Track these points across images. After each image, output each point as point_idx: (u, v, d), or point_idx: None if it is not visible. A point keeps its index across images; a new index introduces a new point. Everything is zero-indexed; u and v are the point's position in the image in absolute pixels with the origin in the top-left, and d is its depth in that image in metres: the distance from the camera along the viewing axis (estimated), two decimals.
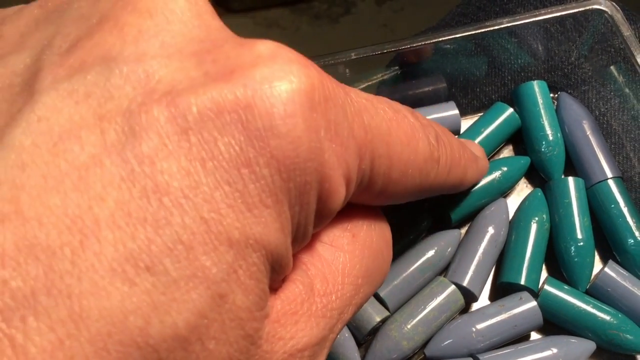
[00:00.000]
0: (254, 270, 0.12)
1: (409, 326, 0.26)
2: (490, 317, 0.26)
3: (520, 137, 0.32)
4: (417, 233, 0.29)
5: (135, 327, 0.11)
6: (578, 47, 0.32)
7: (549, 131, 0.30)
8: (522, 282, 0.27)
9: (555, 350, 0.26)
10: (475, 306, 0.28)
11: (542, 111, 0.30)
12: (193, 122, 0.12)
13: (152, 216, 0.11)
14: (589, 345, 0.26)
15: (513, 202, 0.30)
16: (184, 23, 0.13)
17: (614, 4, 0.30)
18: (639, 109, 0.30)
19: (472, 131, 0.31)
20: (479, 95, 0.33)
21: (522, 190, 0.31)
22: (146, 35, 0.13)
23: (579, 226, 0.28)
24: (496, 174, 0.29)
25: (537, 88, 0.31)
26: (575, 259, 0.27)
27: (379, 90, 0.33)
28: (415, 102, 0.32)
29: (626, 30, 0.30)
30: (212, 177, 0.12)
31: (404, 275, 0.27)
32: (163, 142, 0.12)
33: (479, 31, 0.30)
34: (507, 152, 0.32)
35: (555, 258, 0.28)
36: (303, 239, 0.14)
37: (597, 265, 0.29)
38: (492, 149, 0.31)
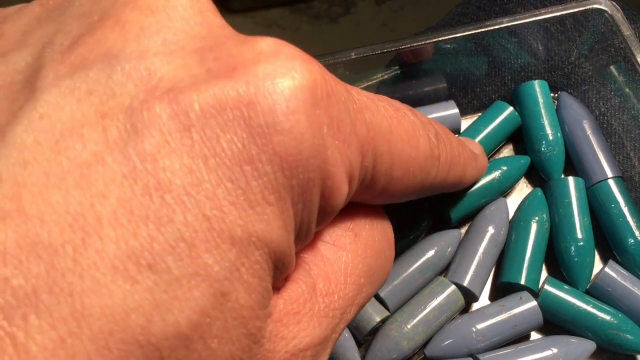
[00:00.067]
0: (256, 268, 0.12)
1: (409, 326, 0.26)
2: (490, 317, 0.26)
3: (520, 137, 0.32)
4: (417, 233, 0.29)
5: (137, 325, 0.11)
6: (578, 46, 0.32)
7: (549, 131, 0.30)
8: (522, 282, 0.27)
9: (555, 350, 0.26)
10: (475, 306, 0.28)
11: (543, 111, 0.30)
12: (195, 119, 0.12)
13: (154, 214, 0.11)
14: (589, 345, 0.26)
15: (513, 201, 0.30)
16: (185, 20, 0.13)
17: (614, 3, 0.30)
18: (639, 109, 0.30)
19: (472, 129, 0.31)
20: (479, 95, 0.33)
21: (522, 189, 0.31)
22: (148, 33, 0.13)
23: (579, 226, 0.28)
24: (496, 174, 0.29)
25: (538, 87, 0.31)
26: (576, 259, 0.27)
27: (379, 90, 0.33)
28: (415, 102, 0.32)
29: (626, 30, 0.30)
30: (214, 174, 0.12)
31: (404, 275, 0.27)
32: (165, 139, 0.11)
33: (479, 31, 0.30)
34: (507, 151, 0.32)
35: (555, 258, 0.28)
36: (306, 236, 0.14)
37: (597, 265, 0.29)
38: (492, 148, 0.31)
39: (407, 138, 0.17)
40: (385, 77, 0.32)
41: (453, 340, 0.26)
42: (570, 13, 0.30)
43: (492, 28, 0.30)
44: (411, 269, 0.27)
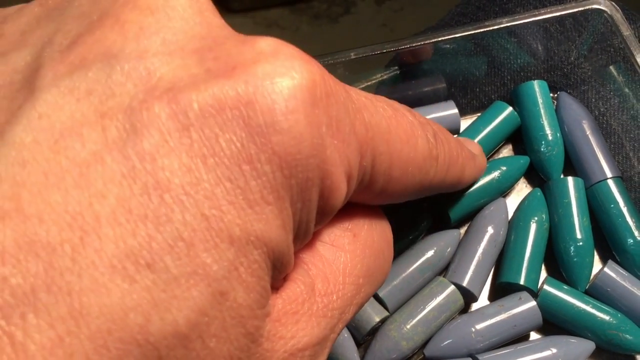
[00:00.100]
0: (255, 268, 0.12)
1: (408, 326, 0.26)
2: (489, 317, 0.26)
3: (520, 137, 0.32)
4: (416, 233, 0.29)
5: (136, 324, 0.11)
6: (577, 46, 0.32)
7: (548, 131, 0.30)
8: (522, 282, 0.27)
9: (554, 350, 0.26)
10: (474, 306, 0.28)
11: (542, 111, 0.30)
12: (194, 119, 0.12)
13: (153, 213, 0.11)
14: (589, 345, 0.26)
15: (512, 201, 0.30)
16: (185, 20, 0.13)
17: (613, 3, 0.30)
18: (638, 109, 0.30)
19: (472, 130, 0.31)
20: (478, 95, 0.33)
21: (522, 190, 0.31)
22: (147, 32, 0.13)
23: (578, 226, 0.28)
24: (495, 174, 0.29)
25: (538, 88, 0.31)
26: (575, 259, 0.27)
27: (378, 90, 0.33)
28: (415, 102, 0.32)
29: (626, 30, 0.30)
30: (213, 174, 0.12)
31: (404, 275, 0.27)
32: (164, 138, 0.11)
33: (479, 31, 0.30)
34: (506, 151, 0.32)
35: (555, 258, 0.28)
36: (305, 236, 0.14)
37: (597, 265, 0.29)
38: (491, 148, 0.31)
39: (406, 138, 0.17)
40: (385, 77, 0.32)
41: (452, 341, 0.26)
42: (569, 13, 0.30)
43: (491, 28, 0.30)
44: (410, 269, 0.27)
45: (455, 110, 0.31)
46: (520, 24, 0.30)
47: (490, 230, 0.28)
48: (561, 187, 0.29)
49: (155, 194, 0.11)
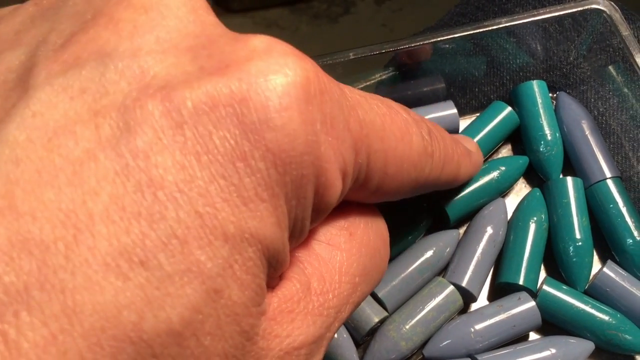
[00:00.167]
0: (250, 265, 0.12)
1: (407, 327, 0.26)
2: (488, 317, 0.26)
3: (519, 137, 0.32)
4: (415, 233, 0.29)
5: (129, 322, 0.11)
6: (577, 46, 0.32)
7: (547, 131, 0.30)
8: (521, 282, 0.27)
9: (553, 351, 0.26)
10: (473, 306, 0.28)
11: (541, 111, 0.30)
12: (188, 116, 0.12)
13: (146, 210, 0.11)
14: (588, 346, 0.26)
15: (511, 202, 0.30)
16: (179, 18, 0.13)
17: (612, 3, 0.30)
18: (637, 109, 0.30)
19: (471, 130, 0.31)
20: (477, 95, 0.33)
21: (521, 190, 0.31)
22: (141, 31, 0.13)
23: (577, 226, 0.28)
24: (494, 174, 0.29)
25: (537, 88, 0.31)
26: (574, 259, 0.27)
27: (377, 90, 0.33)
28: (414, 102, 0.32)
29: (625, 30, 0.30)
30: (207, 171, 0.12)
31: (403, 275, 0.27)
32: (158, 136, 0.11)
33: (478, 31, 0.30)
34: (505, 151, 0.32)
35: (554, 258, 0.28)
36: (300, 234, 0.14)
37: (596, 265, 0.29)
38: (490, 148, 0.31)
39: (401, 135, 0.17)
40: (384, 77, 0.32)
41: (451, 341, 0.26)
42: (568, 13, 0.30)
43: (490, 28, 0.30)
44: (410, 269, 0.27)
45: (454, 111, 0.31)
46: (520, 24, 0.30)
47: (489, 230, 0.28)
48: (560, 187, 0.29)
49: (148, 192, 0.11)
